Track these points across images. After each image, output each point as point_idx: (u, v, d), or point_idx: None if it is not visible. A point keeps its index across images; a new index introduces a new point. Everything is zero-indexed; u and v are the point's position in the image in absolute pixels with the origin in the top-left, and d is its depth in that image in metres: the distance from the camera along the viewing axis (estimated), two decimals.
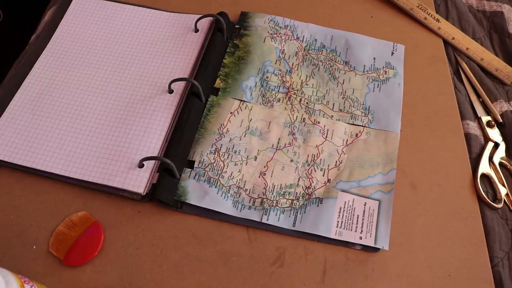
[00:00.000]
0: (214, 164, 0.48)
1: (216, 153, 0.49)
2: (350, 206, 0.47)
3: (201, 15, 0.57)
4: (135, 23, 0.59)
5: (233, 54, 0.57)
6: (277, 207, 0.46)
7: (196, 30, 0.58)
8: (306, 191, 0.48)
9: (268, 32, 0.59)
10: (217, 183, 0.47)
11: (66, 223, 0.45)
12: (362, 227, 0.46)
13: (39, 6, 0.76)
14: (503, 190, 0.50)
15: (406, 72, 0.58)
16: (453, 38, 0.61)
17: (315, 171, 0.49)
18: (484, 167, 0.51)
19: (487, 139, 0.54)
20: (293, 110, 0.53)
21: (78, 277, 0.42)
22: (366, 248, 0.45)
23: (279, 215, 0.46)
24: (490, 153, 0.53)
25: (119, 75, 0.54)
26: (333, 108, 0.54)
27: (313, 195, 0.48)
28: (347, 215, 0.46)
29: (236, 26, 0.59)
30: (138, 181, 0.46)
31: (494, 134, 0.54)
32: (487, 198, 0.49)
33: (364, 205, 0.47)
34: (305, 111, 0.53)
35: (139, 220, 0.46)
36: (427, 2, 0.65)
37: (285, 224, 0.46)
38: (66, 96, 0.52)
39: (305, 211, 0.46)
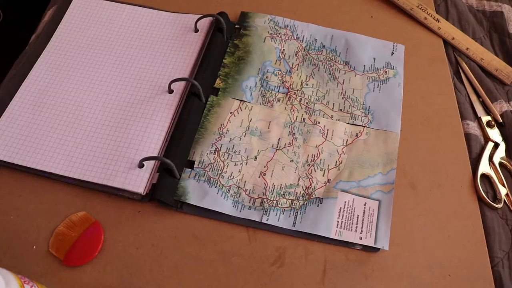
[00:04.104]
0: (214, 164, 0.48)
1: (216, 153, 0.49)
2: (350, 206, 0.47)
3: (201, 15, 0.57)
4: (135, 23, 0.59)
5: (233, 54, 0.57)
6: (277, 207, 0.46)
7: (196, 30, 0.58)
8: (306, 191, 0.48)
9: (268, 32, 0.59)
10: (217, 183, 0.47)
11: (66, 223, 0.45)
12: (362, 227, 0.46)
13: (39, 6, 0.76)
14: (503, 190, 0.50)
15: (406, 72, 0.58)
16: (453, 38, 0.61)
17: (315, 171, 0.49)
18: (484, 167, 0.51)
19: (487, 139, 0.54)
20: (293, 110, 0.53)
21: (78, 277, 0.42)
22: (366, 248, 0.45)
23: (279, 215, 0.46)
24: (490, 153, 0.53)
25: (119, 75, 0.54)
26: (333, 108, 0.54)
27: (313, 195, 0.48)
28: (347, 215, 0.46)
29: (236, 26, 0.59)
30: (138, 181, 0.46)
31: (494, 134, 0.54)
32: (487, 198, 0.49)
33: (364, 205, 0.47)
34: (305, 111, 0.53)
35: (139, 220, 0.46)
36: (427, 2, 0.65)
37: (285, 224, 0.46)
38: (66, 96, 0.52)
39: (305, 211, 0.46)
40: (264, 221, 0.46)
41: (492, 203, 0.49)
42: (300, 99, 0.54)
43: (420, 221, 0.47)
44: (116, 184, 0.46)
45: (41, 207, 0.46)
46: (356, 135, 0.52)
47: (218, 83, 0.54)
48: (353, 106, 0.54)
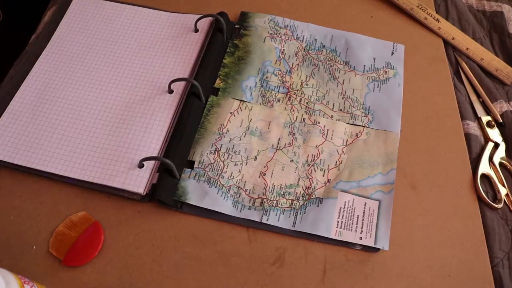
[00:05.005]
0: (214, 164, 0.48)
1: (216, 153, 0.49)
2: (350, 206, 0.47)
3: (201, 15, 0.57)
4: (135, 23, 0.59)
5: (233, 54, 0.57)
6: (277, 207, 0.46)
7: (196, 30, 0.58)
8: (306, 191, 0.48)
9: (268, 32, 0.59)
10: (217, 183, 0.47)
11: (66, 223, 0.45)
12: (362, 227, 0.46)
13: (39, 7, 0.76)
14: (503, 190, 0.50)
15: (406, 72, 0.58)
16: (453, 38, 0.61)
17: (315, 171, 0.49)
18: (484, 167, 0.51)
19: (487, 139, 0.54)
20: (293, 110, 0.53)
21: (78, 277, 0.42)
22: (366, 248, 0.45)
23: (279, 215, 0.46)
24: (490, 153, 0.53)
25: (119, 75, 0.54)
26: (333, 108, 0.54)
27: (313, 195, 0.48)
28: (347, 215, 0.46)
29: (236, 26, 0.59)
30: (138, 181, 0.46)
31: (494, 134, 0.54)
32: (487, 198, 0.49)
33: (364, 205, 0.47)
34: (305, 111, 0.53)
35: (139, 220, 0.46)
36: (427, 2, 0.65)
37: (285, 224, 0.46)
38: (66, 96, 0.52)
39: (305, 211, 0.46)
40: (264, 221, 0.46)
41: (492, 203, 0.49)
42: (300, 99, 0.54)
43: (420, 221, 0.47)
44: (116, 184, 0.46)
45: (41, 207, 0.46)
46: (356, 135, 0.52)
47: (218, 83, 0.54)
48: (353, 106, 0.54)
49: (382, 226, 0.46)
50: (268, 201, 0.47)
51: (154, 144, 0.48)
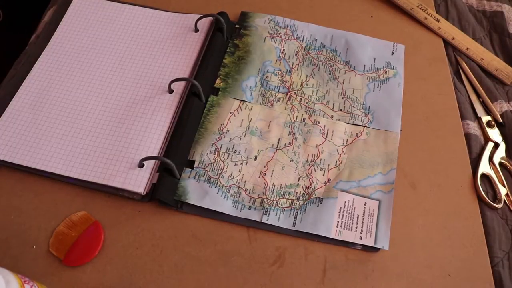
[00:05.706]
0: (214, 164, 0.48)
1: (216, 153, 0.49)
2: (350, 206, 0.47)
3: (201, 15, 0.57)
4: (135, 23, 0.59)
5: (233, 54, 0.57)
6: (277, 207, 0.46)
7: (196, 30, 0.58)
8: (306, 191, 0.48)
9: (268, 32, 0.59)
10: (217, 183, 0.47)
11: (66, 223, 0.45)
12: (362, 227, 0.46)
13: (39, 7, 0.76)
14: (503, 190, 0.50)
15: (406, 72, 0.58)
16: (453, 38, 0.61)
17: (315, 171, 0.49)
18: (484, 167, 0.51)
19: (487, 139, 0.54)
20: (293, 110, 0.53)
21: (78, 277, 0.42)
22: (366, 248, 0.45)
23: (279, 215, 0.46)
24: (490, 153, 0.53)
25: (119, 75, 0.54)
26: (333, 108, 0.54)
27: (313, 195, 0.48)
28: (347, 215, 0.46)
29: (236, 26, 0.59)
30: (138, 181, 0.46)
31: (494, 134, 0.54)
32: (487, 198, 0.49)
33: (364, 205, 0.47)
34: (305, 111, 0.53)
35: (139, 220, 0.46)
36: (427, 2, 0.65)
37: (285, 224, 0.46)
38: (66, 96, 0.52)
39: (305, 211, 0.46)
40: (264, 221, 0.46)
41: (492, 203, 0.49)
42: (300, 99, 0.54)
43: (420, 221, 0.47)
44: (116, 184, 0.46)
45: (41, 207, 0.46)
46: (356, 135, 0.52)
47: (218, 83, 0.54)
48: (353, 106, 0.54)
49: (382, 226, 0.46)
50: (268, 201, 0.47)
51: (154, 143, 0.48)
